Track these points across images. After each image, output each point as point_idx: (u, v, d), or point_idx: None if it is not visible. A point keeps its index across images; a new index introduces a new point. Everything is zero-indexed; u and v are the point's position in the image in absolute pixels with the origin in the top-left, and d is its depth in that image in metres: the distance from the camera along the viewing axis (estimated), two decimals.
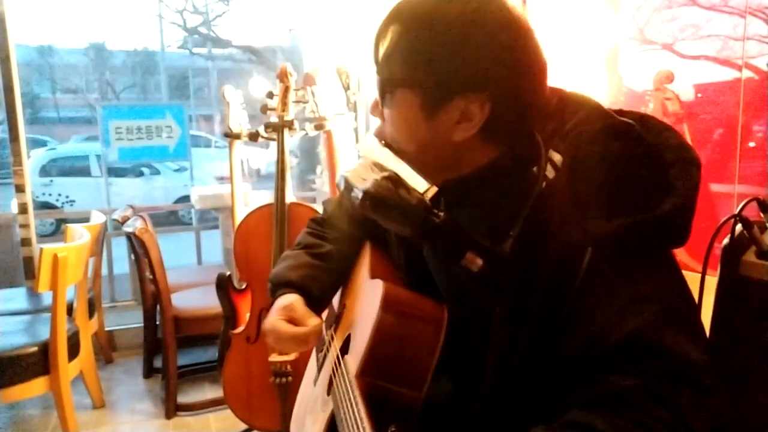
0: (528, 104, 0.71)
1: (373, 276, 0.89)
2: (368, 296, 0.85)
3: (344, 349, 0.88)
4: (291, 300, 0.96)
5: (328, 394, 0.86)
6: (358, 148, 0.84)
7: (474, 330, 0.74)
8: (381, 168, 0.75)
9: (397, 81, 0.71)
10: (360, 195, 0.73)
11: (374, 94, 0.76)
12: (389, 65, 0.72)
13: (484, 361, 0.72)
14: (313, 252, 1.05)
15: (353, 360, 0.76)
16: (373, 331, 0.73)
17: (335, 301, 1.09)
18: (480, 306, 0.73)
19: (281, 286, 1.00)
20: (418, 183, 0.73)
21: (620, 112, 0.74)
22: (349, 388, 0.72)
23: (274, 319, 0.93)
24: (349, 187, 0.77)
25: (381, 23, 0.73)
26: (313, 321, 0.93)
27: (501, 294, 0.70)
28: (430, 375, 0.72)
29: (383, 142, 0.77)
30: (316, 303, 1.00)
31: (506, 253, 0.68)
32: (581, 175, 0.67)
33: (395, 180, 0.73)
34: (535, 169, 0.71)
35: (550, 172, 0.70)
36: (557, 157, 0.70)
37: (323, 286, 1.02)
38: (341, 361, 0.83)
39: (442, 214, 0.71)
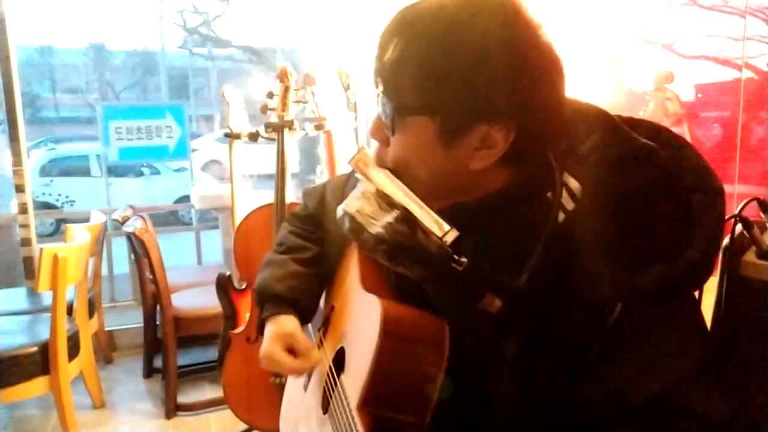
0: (551, 124, 0.65)
1: (366, 286, 0.85)
2: (363, 312, 0.81)
3: (336, 361, 0.85)
4: (291, 328, 0.92)
5: (325, 413, 0.84)
6: (354, 167, 0.73)
7: (480, 359, 0.70)
8: (389, 202, 0.67)
9: (411, 108, 0.63)
10: (372, 240, 0.66)
11: (374, 111, 0.68)
12: (400, 88, 0.63)
13: (494, 391, 0.68)
14: (299, 258, 1.01)
15: (353, 387, 0.73)
16: (374, 359, 0.68)
17: (321, 300, 1.06)
18: (488, 338, 0.68)
19: (270, 299, 0.97)
20: (433, 223, 0.65)
21: (632, 122, 0.69)
22: (352, 423, 0.69)
23: (273, 349, 0.90)
24: (356, 228, 0.68)
25: (386, 33, 0.64)
26: (315, 354, 0.91)
27: (513, 330, 0.65)
28: (435, 398, 0.68)
29: (386, 170, 0.69)
30: (307, 315, 0.99)
31: (522, 287, 0.63)
32: (605, 212, 0.62)
33: (410, 222, 0.65)
34: (549, 194, 0.65)
35: (567, 202, 0.64)
36: (574, 184, 0.65)
37: (312, 296, 1.00)
38: (337, 381, 0.80)
39: (464, 260, 0.63)
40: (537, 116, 0.62)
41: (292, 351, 0.91)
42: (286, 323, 0.93)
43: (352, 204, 0.69)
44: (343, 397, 0.75)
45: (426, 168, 0.66)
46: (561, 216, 0.64)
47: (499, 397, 0.68)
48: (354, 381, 0.73)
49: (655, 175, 0.63)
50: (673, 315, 0.63)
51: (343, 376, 0.79)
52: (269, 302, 0.97)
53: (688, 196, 0.64)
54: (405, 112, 0.63)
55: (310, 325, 1.10)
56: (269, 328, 0.94)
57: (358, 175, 0.71)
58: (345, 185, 0.97)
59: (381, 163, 0.69)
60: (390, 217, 0.66)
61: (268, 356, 0.90)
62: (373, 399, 0.69)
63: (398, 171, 0.68)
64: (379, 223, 0.66)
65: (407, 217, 0.65)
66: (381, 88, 0.66)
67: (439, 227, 0.64)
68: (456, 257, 0.64)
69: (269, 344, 0.91)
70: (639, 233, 0.61)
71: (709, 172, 0.66)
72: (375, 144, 0.72)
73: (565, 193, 0.64)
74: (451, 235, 0.64)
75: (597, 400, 0.62)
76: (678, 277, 0.61)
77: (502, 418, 0.68)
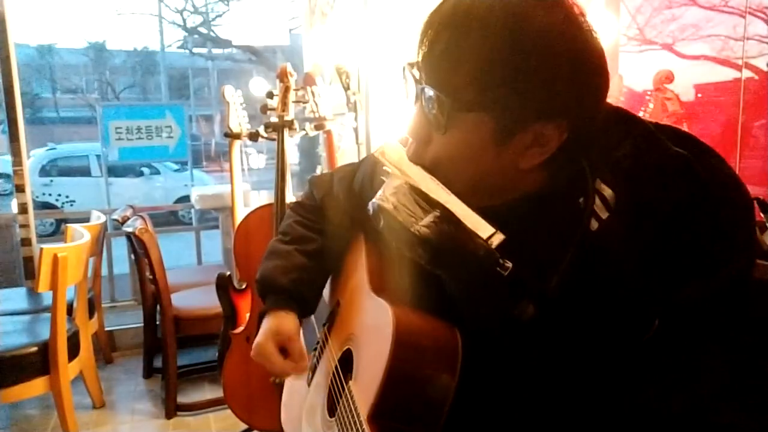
0: (596, 125, 0.62)
1: (375, 288, 0.83)
2: (373, 316, 0.80)
3: (342, 362, 0.84)
4: (290, 329, 0.92)
5: (331, 416, 0.83)
6: (386, 159, 0.67)
7: (504, 370, 0.68)
8: (427, 200, 0.63)
9: (468, 103, 0.59)
10: (414, 240, 0.62)
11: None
12: (455, 82, 0.59)
13: (517, 403, 0.66)
14: (304, 250, 0.99)
15: (362, 396, 0.71)
16: (385, 370, 0.66)
17: (325, 290, 1.05)
18: (515, 348, 0.66)
19: (273, 291, 0.96)
20: (477, 225, 0.61)
21: (656, 128, 0.66)
22: None
23: (267, 345, 0.89)
24: (395, 226, 0.64)
25: (434, 22, 0.61)
26: (305, 363, 0.91)
27: (542, 340, 0.63)
28: (447, 408, 0.66)
29: (421, 168, 0.65)
30: (309, 309, 0.98)
31: (553, 292, 0.61)
32: (641, 225, 0.59)
33: (454, 222, 0.61)
34: (581, 200, 0.62)
35: (600, 210, 0.61)
36: (608, 192, 0.62)
37: (316, 289, 0.99)
38: (345, 387, 0.79)
39: (509, 264, 0.61)
40: (588, 115, 0.61)
41: (284, 350, 0.91)
42: (286, 322, 0.92)
43: (387, 200, 0.65)
44: (352, 406, 0.74)
45: (473, 167, 0.63)
46: (594, 224, 0.61)
47: (523, 412, 0.66)
48: (364, 390, 0.71)
49: (691, 186, 0.60)
50: (708, 332, 0.61)
51: (351, 383, 0.78)
52: (272, 294, 0.96)
53: (718, 208, 0.60)
54: (461, 107, 0.60)
55: (313, 318, 1.09)
56: (268, 322, 0.93)
57: (386, 168, 0.67)
58: (353, 175, 0.96)
59: (418, 161, 0.65)
60: (431, 216, 0.62)
61: (259, 350, 0.89)
62: (384, 411, 0.67)
63: (437, 169, 0.64)
64: (421, 222, 0.62)
65: (450, 217, 0.62)
66: (425, 81, 0.62)
67: (484, 229, 0.61)
68: (501, 262, 0.61)
69: (264, 338, 0.90)
70: (676, 248, 0.59)
71: (738, 183, 0.62)
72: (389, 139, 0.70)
73: (598, 201, 0.62)
74: (497, 238, 0.60)
75: (627, 413, 0.61)
76: (719, 294, 0.59)
77: (525, 429, 0.66)
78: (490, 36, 0.57)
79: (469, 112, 0.60)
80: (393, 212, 0.64)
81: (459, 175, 0.63)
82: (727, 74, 2.09)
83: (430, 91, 0.61)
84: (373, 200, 0.66)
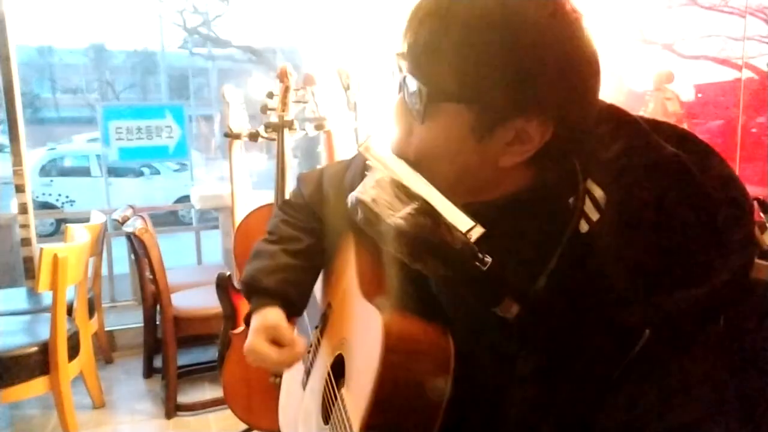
0: (586, 124, 0.60)
1: (364, 291, 0.82)
2: (363, 322, 0.78)
3: (335, 367, 0.84)
4: (275, 320, 0.89)
5: (326, 423, 0.83)
6: (370, 153, 0.65)
7: (492, 378, 0.67)
8: (407, 193, 0.61)
9: (448, 94, 0.57)
10: (391, 232, 0.60)
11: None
12: (436, 72, 0.58)
13: (505, 413, 0.65)
14: (291, 249, 0.97)
15: (354, 406, 0.71)
16: (375, 381, 0.65)
17: (317, 291, 1.03)
18: (502, 353, 0.65)
19: (257, 292, 0.94)
20: (457, 218, 0.59)
21: (654, 125, 0.64)
22: None
23: (257, 341, 0.87)
24: (372, 218, 0.62)
25: (419, 12, 0.59)
26: (300, 345, 0.88)
27: (529, 347, 0.62)
28: (441, 416, 0.66)
29: (404, 161, 0.63)
30: (296, 309, 0.96)
31: (540, 292, 0.59)
32: (633, 229, 0.57)
33: (433, 215, 0.60)
34: (571, 200, 0.61)
35: (591, 211, 0.60)
36: (599, 193, 0.60)
37: (303, 289, 0.97)
38: (337, 394, 0.78)
39: (488, 259, 0.59)
40: (575, 114, 0.59)
41: (277, 344, 0.88)
42: (269, 315, 0.90)
43: (367, 192, 0.63)
44: (344, 415, 0.73)
45: (452, 161, 0.61)
46: (584, 226, 0.60)
47: (509, 420, 0.65)
48: (355, 400, 0.71)
49: (685, 188, 0.58)
50: (701, 341, 0.59)
51: (344, 391, 0.77)
52: (256, 295, 0.94)
53: (716, 210, 0.58)
54: (440, 98, 0.58)
55: (307, 321, 1.09)
56: (253, 322, 0.91)
57: (370, 162, 0.66)
58: (344, 173, 0.93)
59: (401, 153, 0.63)
60: (409, 207, 0.60)
61: (252, 350, 0.87)
62: (376, 422, 0.66)
63: (420, 163, 0.62)
64: (398, 214, 0.60)
65: (428, 210, 0.60)
66: (408, 70, 0.60)
67: (463, 222, 0.59)
68: (480, 256, 0.59)
69: (252, 337, 0.88)
70: (669, 253, 0.57)
71: (737, 184, 0.60)
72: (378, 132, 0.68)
73: (588, 202, 0.60)
74: (477, 232, 0.58)
75: (614, 429, 0.59)
76: (712, 301, 0.57)
77: None
78: (474, 27, 0.55)
79: (447, 103, 0.58)
80: (371, 204, 0.62)
81: (439, 170, 0.62)
82: (727, 74, 2.09)
83: (411, 81, 0.59)
84: (353, 193, 0.65)
